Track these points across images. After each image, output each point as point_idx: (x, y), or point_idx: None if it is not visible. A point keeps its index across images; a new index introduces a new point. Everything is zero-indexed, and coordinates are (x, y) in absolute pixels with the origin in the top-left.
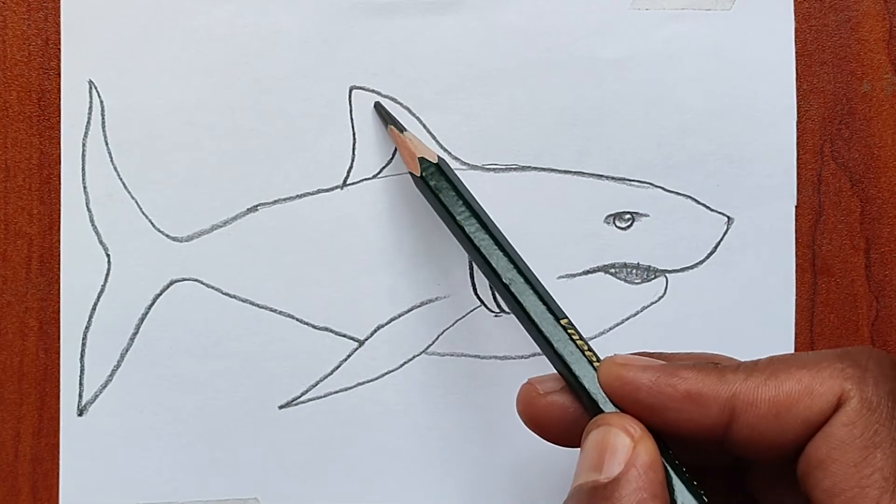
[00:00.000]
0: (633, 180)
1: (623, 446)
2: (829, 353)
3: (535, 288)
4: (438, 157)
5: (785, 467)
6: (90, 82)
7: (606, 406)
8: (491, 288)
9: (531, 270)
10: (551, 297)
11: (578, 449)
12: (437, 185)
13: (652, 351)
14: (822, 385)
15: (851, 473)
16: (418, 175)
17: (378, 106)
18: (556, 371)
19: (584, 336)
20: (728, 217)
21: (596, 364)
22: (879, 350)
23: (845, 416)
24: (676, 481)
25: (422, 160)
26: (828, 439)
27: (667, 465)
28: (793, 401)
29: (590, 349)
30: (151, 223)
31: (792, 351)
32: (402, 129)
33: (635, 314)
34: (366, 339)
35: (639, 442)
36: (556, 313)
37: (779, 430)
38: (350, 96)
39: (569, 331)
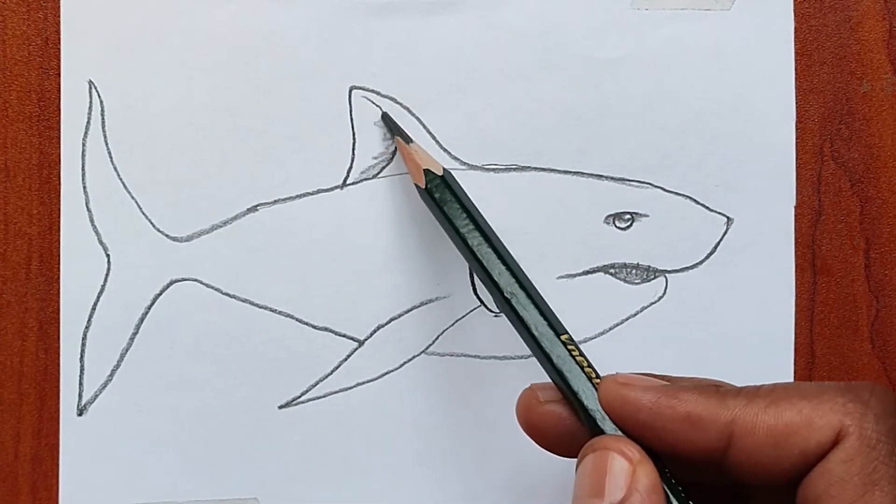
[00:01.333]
0: (633, 180)
1: (622, 470)
2: (831, 385)
3: (537, 303)
4: (444, 168)
5: (785, 496)
6: (90, 82)
7: (605, 424)
8: None
9: (533, 285)
10: (552, 312)
11: (571, 458)
12: (441, 196)
13: (653, 372)
14: (822, 418)
15: None
16: (423, 187)
17: (385, 116)
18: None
19: (588, 333)
20: (728, 217)
21: (596, 381)
22: (883, 386)
23: (844, 452)
24: (675, 503)
25: (427, 172)
26: (826, 475)
27: (665, 487)
28: (791, 431)
29: (590, 366)
30: (151, 223)
31: (791, 351)
32: (408, 140)
33: (635, 314)
34: (366, 339)
35: (638, 465)
36: (557, 329)
37: (776, 459)
38: (350, 96)
39: (569, 347)
